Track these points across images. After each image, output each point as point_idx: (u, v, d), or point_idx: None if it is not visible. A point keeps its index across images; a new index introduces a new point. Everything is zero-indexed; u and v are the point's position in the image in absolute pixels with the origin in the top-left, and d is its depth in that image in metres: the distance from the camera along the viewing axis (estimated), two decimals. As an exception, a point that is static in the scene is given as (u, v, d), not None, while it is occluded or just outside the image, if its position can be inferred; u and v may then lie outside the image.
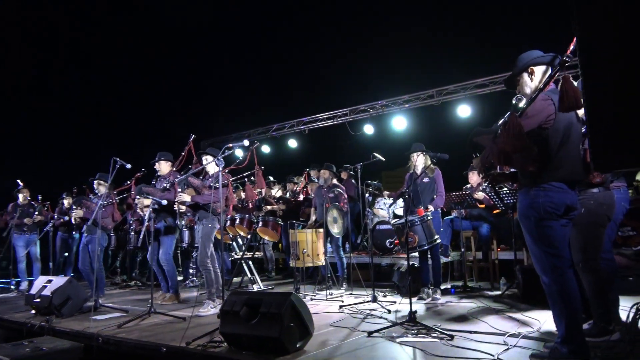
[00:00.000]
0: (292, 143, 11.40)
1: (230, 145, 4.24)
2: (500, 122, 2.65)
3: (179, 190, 5.04)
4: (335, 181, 6.64)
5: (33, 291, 5.27)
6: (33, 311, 5.20)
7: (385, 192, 7.68)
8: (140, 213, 5.96)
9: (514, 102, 2.74)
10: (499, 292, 5.37)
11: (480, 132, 2.88)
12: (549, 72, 2.66)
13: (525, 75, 2.71)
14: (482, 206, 6.14)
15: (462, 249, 6.14)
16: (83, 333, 4.12)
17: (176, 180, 5.09)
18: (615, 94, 1.59)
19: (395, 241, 6.45)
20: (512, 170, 2.92)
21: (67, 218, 7.37)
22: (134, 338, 3.77)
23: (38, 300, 5.07)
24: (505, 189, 5.16)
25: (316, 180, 7.28)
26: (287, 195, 8.30)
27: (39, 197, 8.30)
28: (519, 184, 2.78)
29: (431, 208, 5.42)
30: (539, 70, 2.68)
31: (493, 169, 2.95)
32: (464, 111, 8.72)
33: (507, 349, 2.89)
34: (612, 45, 1.63)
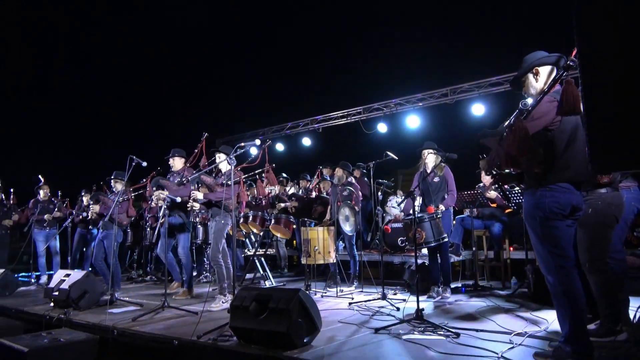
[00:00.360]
0: (306, 141, 11.48)
1: (243, 144, 4.32)
2: (506, 124, 2.67)
3: (192, 187, 5.15)
4: (350, 179, 6.69)
5: (52, 285, 5.44)
6: (52, 304, 5.36)
7: (399, 192, 7.71)
8: (156, 204, 6.08)
9: (520, 106, 2.75)
10: (509, 292, 5.36)
11: (487, 133, 2.91)
12: (554, 72, 2.67)
13: (531, 76, 2.72)
14: (494, 205, 6.12)
15: (474, 248, 6.13)
16: (99, 325, 4.24)
17: (190, 177, 5.20)
18: (614, 95, 1.60)
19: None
20: (518, 171, 2.93)
21: (85, 214, 7.57)
22: (148, 331, 3.87)
23: (56, 293, 5.23)
24: (517, 188, 5.16)
25: (328, 178, 7.33)
26: (300, 192, 8.36)
27: (59, 194, 8.53)
28: (525, 185, 2.79)
29: (442, 207, 5.44)
30: (544, 70, 2.69)
31: (500, 170, 2.97)
32: (478, 110, 8.68)
33: (512, 348, 2.91)
34: (612, 45, 1.64)
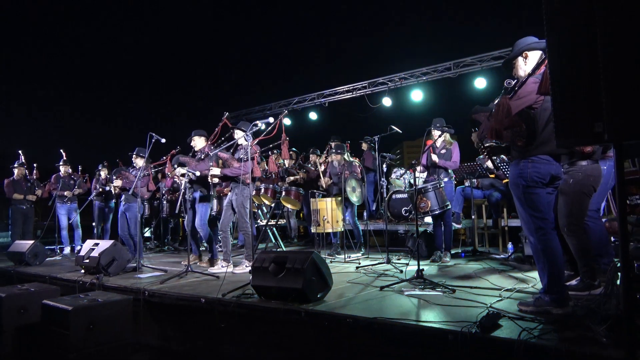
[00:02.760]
0: (313, 115, 11.77)
1: (257, 122, 4.67)
2: (496, 101, 3.00)
3: (210, 163, 5.51)
4: (347, 157, 6.93)
5: (82, 253, 5.89)
6: (82, 271, 5.83)
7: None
8: (178, 181, 6.45)
9: (505, 85, 3.07)
10: (505, 256, 5.76)
11: (478, 110, 3.25)
12: (544, 57, 2.97)
13: (520, 59, 3.03)
14: (493, 176, 6.46)
15: (473, 217, 6.51)
16: (131, 288, 4.69)
17: (211, 153, 5.55)
18: (573, 79, 1.93)
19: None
20: (506, 144, 3.28)
21: (107, 188, 8.01)
22: (176, 292, 4.31)
23: (87, 261, 5.68)
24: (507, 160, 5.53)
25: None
26: (310, 165, 8.73)
27: (79, 169, 8.97)
28: (511, 157, 3.14)
29: (444, 178, 5.80)
30: (533, 55, 2.99)
31: (487, 142, 3.31)
32: (480, 83, 8.92)
33: (500, 300, 3.31)
34: (573, 36, 1.95)
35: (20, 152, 8.61)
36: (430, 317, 2.90)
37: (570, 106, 1.92)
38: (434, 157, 5.81)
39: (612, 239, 4.18)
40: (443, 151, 5.87)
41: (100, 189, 8.25)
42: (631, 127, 1.79)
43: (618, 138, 1.83)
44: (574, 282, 3.54)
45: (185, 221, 6.20)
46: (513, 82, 2.93)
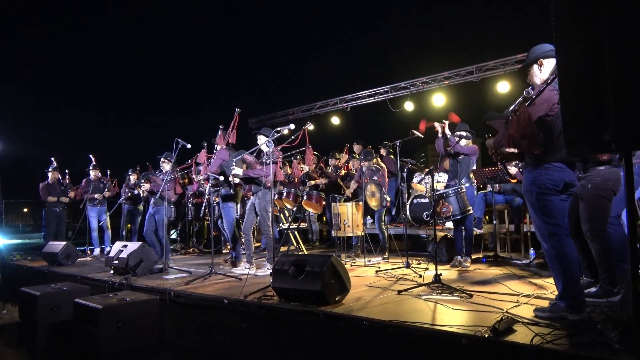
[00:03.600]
0: (335, 120, 11.88)
1: (279, 128, 4.81)
2: (511, 108, 3.04)
3: (233, 164, 5.65)
4: (377, 161, 7.07)
5: (111, 254, 6.13)
6: (112, 271, 6.07)
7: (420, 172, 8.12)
8: (203, 186, 6.64)
9: (524, 94, 3.10)
10: (527, 262, 5.73)
11: (493, 116, 3.29)
12: (558, 65, 2.99)
13: (535, 67, 3.06)
14: (514, 181, 6.43)
15: (495, 222, 6.49)
16: (157, 288, 4.87)
17: (234, 158, 5.70)
18: (579, 90, 1.97)
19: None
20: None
21: (135, 192, 8.30)
22: (200, 293, 4.47)
23: (116, 262, 5.91)
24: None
25: (357, 156, 7.75)
26: (330, 170, 8.83)
27: (108, 173, 9.31)
28: (524, 163, 3.17)
29: (465, 183, 5.81)
30: (548, 63, 3.02)
31: (503, 149, 3.34)
32: (503, 87, 8.87)
33: (517, 306, 3.33)
34: (580, 47, 1.99)
35: (52, 158, 9.00)
36: (446, 321, 2.95)
37: (579, 115, 1.96)
38: (452, 143, 5.77)
39: (639, 245, 4.14)
40: (461, 157, 5.87)
41: (130, 193, 8.54)
42: (637, 137, 1.83)
43: (626, 147, 1.87)
44: (594, 289, 3.53)
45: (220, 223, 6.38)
46: (532, 92, 2.97)
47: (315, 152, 9.69)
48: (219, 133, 6.45)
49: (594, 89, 1.92)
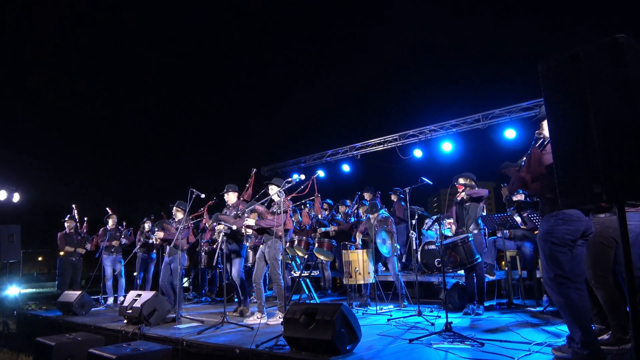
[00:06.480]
0: (346, 167, 12.10)
1: (290, 179, 4.99)
2: (524, 158, 3.18)
3: (246, 216, 5.83)
4: (382, 213, 7.14)
5: (125, 304, 6.20)
6: (125, 321, 6.12)
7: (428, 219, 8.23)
8: (216, 237, 6.81)
9: (536, 136, 3.26)
10: (541, 309, 5.66)
11: (508, 165, 3.45)
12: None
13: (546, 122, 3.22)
14: (524, 227, 6.45)
15: (506, 268, 6.46)
16: (170, 338, 4.91)
17: (246, 208, 5.88)
18: (571, 145, 2.11)
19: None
20: (535, 199, 3.42)
21: (149, 241, 8.44)
22: (212, 342, 4.50)
23: (130, 311, 5.97)
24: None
25: (367, 203, 7.85)
26: (339, 217, 8.92)
27: (124, 223, 9.51)
28: (540, 211, 3.27)
29: (473, 230, 5.86)
30: None
31: (517, 196, 3.45)
32: (510, 134, 9.03)
33: (529, 354, 3.33)
34: (571, 108, 2.15)
35: (73, 205, 9.23)
36: (456, 370, 2.96)
37: (571, 170, 2.09)
38: (463, 194, 5.89)
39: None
40: (468, 203, 5.96)
41: (143, 241, 8.69)
42: (629, 188, 1.94)
43: (617, 198, 1.98)
44: (605, 336, 3.51)
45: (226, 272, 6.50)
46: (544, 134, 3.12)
47: (328, 200, 9.83)
48: (235, 195, 6.59)
49: (583, 145, 2.06)
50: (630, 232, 3.61)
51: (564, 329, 4.29)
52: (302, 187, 5.87)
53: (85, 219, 9.42)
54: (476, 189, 5.97)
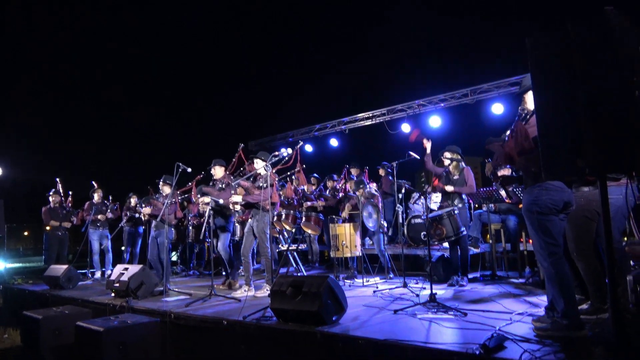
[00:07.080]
0: (334, 142, 12.06)
1: (277, 153, 4.96)
2: (508, 132, 3.19)
3: (232, 192, 5.81)
4: (370, 188, 7.18)
5: (113, 277, 6.20)
6: (112, 294, 6.13)
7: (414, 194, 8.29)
8: (201, 210, 6.80)
9: (519, 112, 3.26)
10: (523, 280, 5.79)
11: (492, 141, 3.45)
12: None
13: (530, 94, 3.21)
14: (509, 201, 6.54)
15: (491, 241, 6.57)
16: (158, 310, 4.94)
17: (231, 182, 5.86)
18: (556, 117, 2.12)
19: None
20: (519, 174, 3.44)
21: (136, 215, 8.41)
22: (200, 314, 4.54)
23: (117, 284, 5.98)
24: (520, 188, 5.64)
25: (354, 178, 7.88)
26: (327, 192, 8.94)
27: (110, 198, 9.42)
28: (524, 184, 3.30)
29: (458, 204, 5.93)
30: None
31: (502, 170, 3.48)
32: (497, 109, 9.05)
33: (510, 324, 3.41)
34: (557, 82, 2.15)
35: (57, 179, 9.11)
36: (439, 339, 3.03)
37: (555, 144, 2.10)
38: (449, 188, 5.97)
39: (632, 262, 4.22)
40: (456, 177, 6.02)
41: (130, 215, 8.64)
42: (611, 162, 1.96)
43: (599, 171, 2.00)
44: (585, 306, 3.61)
45: (214, 245, 6.52)
46: (526, 110, 3.12)
47: (315, 175, 9.83)
48: (222, 169, 6.55)
49: (568, 120, 2.07)
50: (611, 206, 3.70)
51: (544, 299, 4.40)
52: (286, 158, 5.83)
53: (70, 192, 9.32)
54: (467, 181, 5.99)
